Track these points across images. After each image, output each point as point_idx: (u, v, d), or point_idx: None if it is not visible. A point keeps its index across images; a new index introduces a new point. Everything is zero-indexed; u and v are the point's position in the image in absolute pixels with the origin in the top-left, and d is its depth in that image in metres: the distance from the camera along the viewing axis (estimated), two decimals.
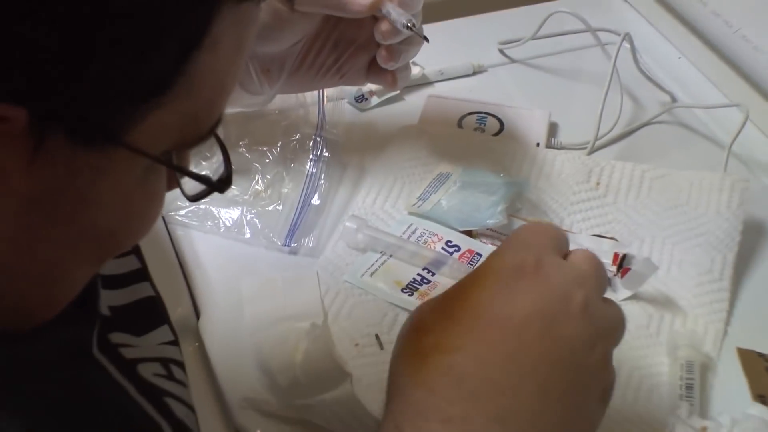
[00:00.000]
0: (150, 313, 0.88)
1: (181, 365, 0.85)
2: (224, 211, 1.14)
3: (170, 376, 0.81)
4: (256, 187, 1.16)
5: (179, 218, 1.13)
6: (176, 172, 0.64)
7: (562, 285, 0.74)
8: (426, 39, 1.03)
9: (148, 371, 0.78)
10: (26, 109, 0.51)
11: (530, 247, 0.76)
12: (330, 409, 0.91)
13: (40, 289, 0.66)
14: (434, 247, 1.10)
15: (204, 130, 0.63)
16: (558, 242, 0.79)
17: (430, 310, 0.78)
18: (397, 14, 0.97)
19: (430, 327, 0.76)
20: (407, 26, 0.98)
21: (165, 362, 0.82)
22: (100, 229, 0.63)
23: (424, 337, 0.75)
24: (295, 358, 0.93)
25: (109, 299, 0.85)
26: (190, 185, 0.67)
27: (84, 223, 0.62)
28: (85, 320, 0.78)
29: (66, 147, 0.55)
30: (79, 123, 0.54)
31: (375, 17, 1.00)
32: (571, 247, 0.86)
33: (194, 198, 0.68)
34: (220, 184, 0.68)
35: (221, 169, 0.70)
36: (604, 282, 0.77)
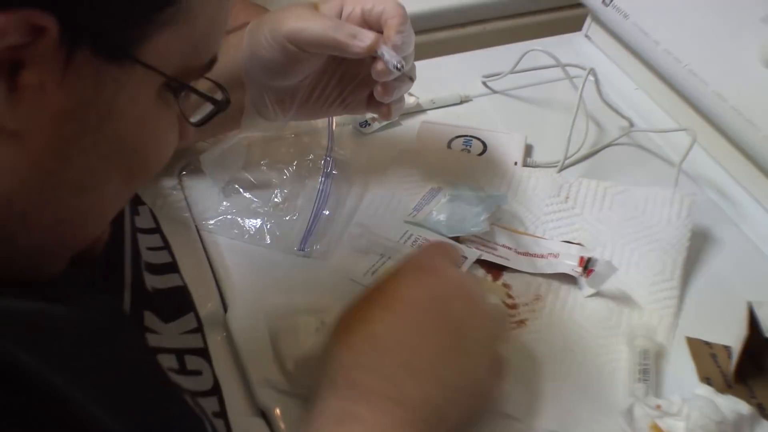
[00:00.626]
0: (179, 301, 0.92)
1: (200, 352, 0.89)
2: (248, 221, 1.16)
3: (182, 370, 0.85)
4: (275, 200, 1.19)
5: (210, 227, 1.15)
6: (184, 91, 0.67)
7: (454, 280, 0.89)
8: (412, 79, 1.08)
9: (165, 365, 0.82)
10: (56, 19, 0.54)
11: (431, 257, 0.91)
12: None
13: (77, 198, 0.67)
14: None
15: (202, 62, 0.68)
16: (450, 255, 0.95)
17: (355, 302, 0.89)
18: (389, 56, 1.01)
19: (356, 310, 0.88)
20: (397, 68, 1.01)
21: (180, 354, 0.86)
22: (124, 142, 0.66)
23: (350, 318, 0.87)
24: (304, 347, 0.96)
25: (151, 281, 0.89)
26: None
27: (110, 134, 0.64)
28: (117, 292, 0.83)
29: (91, 62, 0.58)
30: (101, 39, 0.58)
31: (373, 57, 1.02)
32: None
33: (199, 123, 0.73)
34: (223, 103, 0.74)
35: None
36: (483, 290, 0.94)
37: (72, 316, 0.65)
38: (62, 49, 0.56)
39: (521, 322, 1.07)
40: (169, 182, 1.21)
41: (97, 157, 0.65)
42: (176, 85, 0.66)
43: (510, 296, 1.10)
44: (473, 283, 0.94)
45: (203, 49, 0.68)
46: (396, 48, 1.03)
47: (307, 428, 0.79)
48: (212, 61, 0.70)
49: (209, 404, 0.84)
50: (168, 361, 0.83)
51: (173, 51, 0.64)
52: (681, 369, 1.03)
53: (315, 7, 1.06)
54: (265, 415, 0.96)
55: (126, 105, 0.63)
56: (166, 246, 0.98)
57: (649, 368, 1.01)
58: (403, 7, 1.05)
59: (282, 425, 0.94)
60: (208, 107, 0.73)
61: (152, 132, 0.69)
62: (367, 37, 1.02)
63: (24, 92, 0.56)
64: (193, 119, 0.73)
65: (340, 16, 1.06)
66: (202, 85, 0.71)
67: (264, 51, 1.06)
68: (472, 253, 1.13)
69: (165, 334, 0.86)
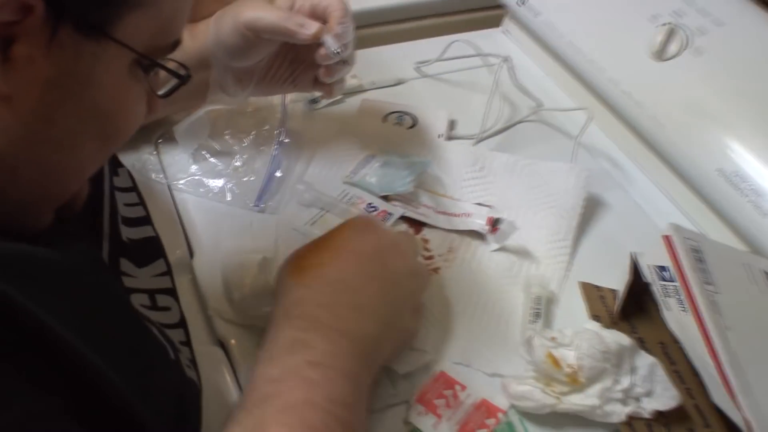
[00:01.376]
0: (151, 249, 0.94)
1: (169, 291, 0.91)
2: (212, 181, 1.19)
3: (154, 306, 0.87)
4: (236, 164, 1.21)
5: (180, 186, 1.18)
6: (152, 65, 0.70)
7: (392, 238, 0.93)
8: (350, 63, 1.12)
9: (137, 301, 0.84)
10: (43, 2, 0.57)
11: (371, 219, 0.99)
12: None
13: (58, 154, 0.68)
14: (360, 207, 1.16)
15: (168, 42, 0.71)
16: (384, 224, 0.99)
17: (306, 248, 0.92)
18: (330, 43, 1.04)
19: (308, 255, 0.91)
20: (337, 52, 1.05)
21: (152, 294, 0.88)
22: (100, 109, 0.68)
23: (304, 261, 0.90)
24: (246, 280, 0.99)
25: (127, 233, 0.91)
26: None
27: (88, 100, 0.66)
28: (96, 243, 0.85)
29: (72, 37, 0.61)
30: (80, 17, 0.61)
31: (318, 44, 1.05)
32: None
33: (165, 94, 0.76)
34: (185, 78, 0.76)
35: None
36: (417, 248, 1.01)
37: (56, 257, 0.66)
38: (48, 25, 0.59)
39: (436, 269, 1.10)
40: (147, 148, 1.24)
41: (77, 120, 0.67)
42: (145, 62, 0.69)
43: (427, 249, 1.13)
44: (408, 242, 0.98)
45: (168, 31, 0.70)
46: (337, 36, 1.06)
47: (261, 353, 0.81)
48: (176, 43, 0.72)
49: (177, 335, 0.86)
50: (141, 300, 0.85)
51: (142, 31, 0.66)
52: (574, 310, 1.06)
53: (271, 1, 1.09)
54: (223, 345, 0.99)
55: (102, 76, 0.66)
56: (141, 202, 0.99)
57: (541, 311, 1.03)
58: (344, 2, 1.08)
59: (236, 353, 0.97)
60: (173, 82, 0.75)
61: (123, 101, 0.70)
62: (312, 27, 1.05)
63: (15, 62, 0.59)
64: (160, 92, 0.75)
65: (292, 8, 1.09)
66: (169, 65, 0.73)
67: (226, 36, 1.08)
68: (397, 210, 1.16)
69: (139, 278, 0.88)
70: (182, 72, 0.76)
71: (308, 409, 0.73)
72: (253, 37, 1.07)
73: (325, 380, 0.77)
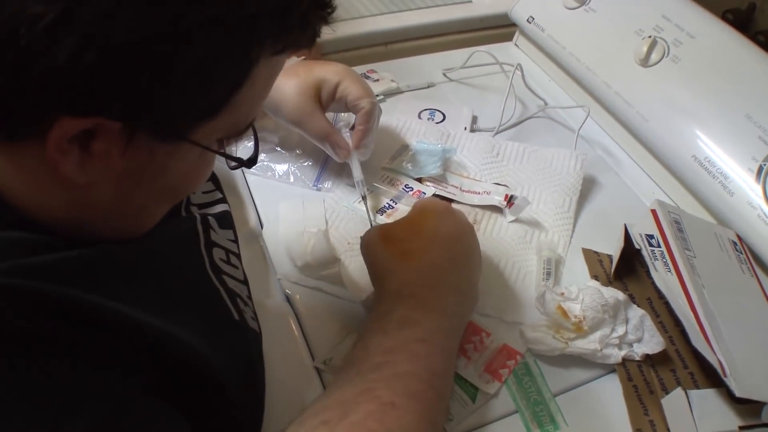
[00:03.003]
0: (224, 220, 0.91)
1: (236, 255, 0.89)
2: (278, 165, 1.16)
3: (228, 261, 0.85)
4: (297, 151, 1.19)
5: (252, 170, 1.15)
6: (221, 155, 0.66)
7: (462, 219, 0.90)
8: (363, 194, 1.09)
9: (217, 255, 0.82)
10: (121, 123, 0.54)
11: (443, 203, 0.93)
12: (327, 280, 0.97)
13: (132, 220, 0.68)
14: (398, 187, 1.14)
15: (242, 129, 0.66)
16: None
17: (398, 230, 0.88)
18: (356, 175, 1.09)
19: (405, 240, 0.87)
20: (359, 181, 1.08)
21: (227, 252, 0.86)
22: (170, 187, 0.66)
23: (403, 245, 0.86)
24: (306, 249, 0.98)
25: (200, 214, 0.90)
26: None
27: (160, 184, 0.64)
28: (190, 216, 0.84)
29: (148, 142, 0.57)
30: (157, 129, 0.57)
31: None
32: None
33: (233, 168, 0.73)
34: (249, 162, 0.73)
35: (252, 152, 0.74)
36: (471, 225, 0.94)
37: (128, 251, 0.66)
38: (125, 132, 0.55)
39: None
40: None
41: (149, 197, 0.65)
42: (217, 151, 0.65)
43: None
44: (467, 220, 0.94)
45: (244, 123, 0.66)
46: (361, 152, 1.08)
47: (374, 324, 0.80)
48: (250, 125, 0.68)
49: (243, 290, 0.84)
50: (220, 254, 0.84)
51: (218, 130, 0.62)
52: (576, 271, 1.05)
53: (317, 90, 1.06)
54: (289, 300, 0.98)
55: (174, 165, 0.63)
56: (218, 188, 0.98)
57: (551, 271, 1.03)
58: (371, 116, 1.07)
59: (300, 307, 0.96)
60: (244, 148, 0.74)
61: (192, 177, 0.68)
62: (342, 155, 1.07)
63: (94, 155, 0.56)
64: (230, 165, 0.74)
65: (334, 94, 1.06)
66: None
67: (272, 113, 1.08)
68: (429, 189, 1.14)
69: (219, 235, 0.87)
70: (247, 157, 0.74)
71: (412, 379, 0.72)
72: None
73: (427, 354, 0.76)
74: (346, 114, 1.18)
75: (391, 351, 0.75)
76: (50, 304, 0.53)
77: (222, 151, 0.65)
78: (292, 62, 1.09)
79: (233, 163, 0.73)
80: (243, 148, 0.98)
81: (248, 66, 0.59)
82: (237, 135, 0.66)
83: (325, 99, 1.07)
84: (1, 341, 0.50)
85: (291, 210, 1.09)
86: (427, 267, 0.84)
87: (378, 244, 0.88)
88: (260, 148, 1.16)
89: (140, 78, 0.52)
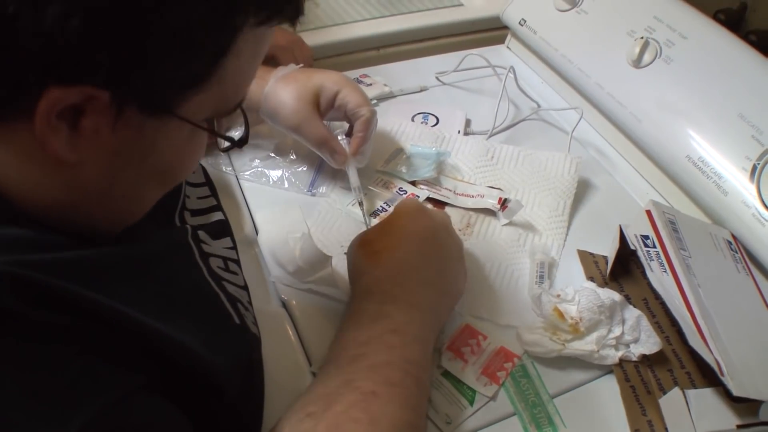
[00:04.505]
0: (220, 229, 0.92)
1: (236, 262, 0.89)
2: (272, 171, 1.16)
3: (226, 269, 0.85)
4: (291, 157, 1.19)
5: (246, 176, 1.15)
6: (211, 133, 0.65)
7: (439, 217, 0.92)
8: (360, 200, 1.10)
9: (214, 264, 0.82)
10: (109, 92, 0.53)
11: (418, 203, 0.95)
12: (321, 283, 0.97)
13: (124, 204, 0.67)
14: (392, 190, 1.15)
15: (231, 106, 0.66)
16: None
17: (372, 233, 0.92)
18: (353, 181, 1.09)
19: (376, 240, 0.90)
20: (356, 188, 1.09)
21: (225, 260, 0.86)
22: (160, 168, 0.65)
23: (373, 245, 0.89)
24: (294, 253, 0.96)
25: (195, 221, 0.90)
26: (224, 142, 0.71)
27: (149, 164, 0.63)
28: (182, 228, 0.83)
29: (137, 116, 0.57)
30: (145, 102, 0.57)
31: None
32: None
33: (225, 149, 0.75)
34: (240, 142, 0.73)
35: (242, 133, 0.75)
36: (451, 224, 0.96)
37: (128, 252, 0.66)
38: (113, 107, 0.55)
39: None
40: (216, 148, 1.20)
41: (140, 178, 0.65)
42: (206, 127, 0.65)
43: None
44: (448, 219, 0.95)
45: (232, 99, 0.65)
46: (358, 159, 1.09)
47: (348, 322, 0.83)
48: (239, 104, 0.68)
49: (243, 296, 0.84)
50: (217, 263, 0.83)
51: (206, 105, 0.62)
52: (571, 273, 1.05)
53: (316, 96, 1.06)
54: (285, 306, 0.98)
55: (163, 143, 0.62)
56: (213, 194, 0.98)
57: (544, 274, 1.03)
58: (370, 124, 1.08)
59: (297, 312, 0.96)
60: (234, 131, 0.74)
61: (182, 158, 0.67)
62: (340, 161, 1.08)
63: (83, 133, 0.56)
64: (222, 147, 0.74)
65: (333, 101, 1.07)
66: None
67: (270, 119, 1.08)
68: (423, 192, 1.14)
69: (213, 246, 0.86)
70: (238, 137, 0.74)
71: (390, 368, 0.75)
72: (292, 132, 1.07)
73: (403, 345, 0.78)
74: (339, 123, 1.18)
75: (366, 343, 0.78)
76: (51, 295, 0.53)
77: (212, 129, 0.66)
78: (291, 70, 1.09)
79: (224, 145, 0.73)
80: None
81: (231, 33, 0.59)
82: (225, 113, 0.66)
83: (323, 106, 1.07)
84: (1, 325, 0.50)
85: (269, 219, 1.09)
86: (395, 264, 0.86)
87: (354, 247, 0.91)
88: (255, 156, 1.17)
89: (124, 41, 0.52)
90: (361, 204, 1.08)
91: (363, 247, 0.90)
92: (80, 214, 0.64)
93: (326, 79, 1.07)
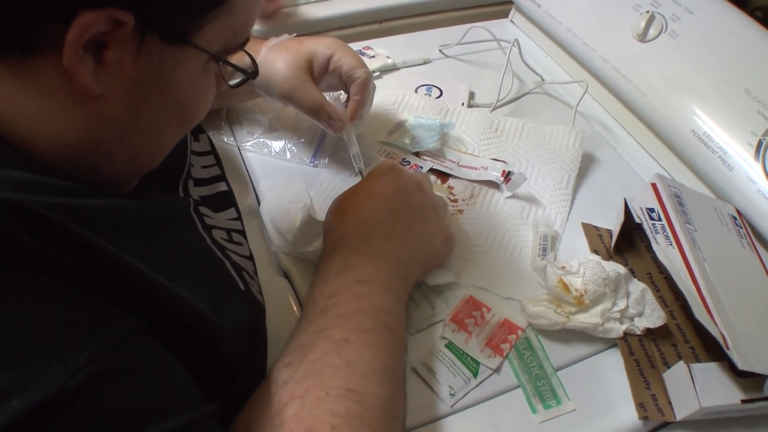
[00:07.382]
0: (224, 200, 0.91)
1: (240, 232, 0.89)
2: (274, 142, 1.15)
3: (230, 240, 0.85)
4: (293, 129, 1.17)
5: (248, 147, 1.14)
6: (224, 63, 0.68)
7: (411, 177, 0.92)
8: (359, 169, 1.09)
9: (218, 235, 0.82)
10: (133, 15, 0.55)
11: (392, 164, 0.94)
12: (318, 252, 0.95)
13: (145, 140, 0.67)
14: (396, 161, 1.13)
15: (240, 41, 0.68)
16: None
17: (345, 194, 0.92)
18: (350, 148, 1.07)
19: (346, 200, 0.91)
20: (354, 155, 1.07)
21: (228, 231, 0.86)
22: (179, 101, 0.66)
23: (344, 204, 0.90)
24: (294, 223, 0.97)
25: (198, 192, 0.89)
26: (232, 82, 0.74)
27: (169, 95, 0.65)
28: (185, 199, 0.83)
29: (158, 45, 0.60)
30: (165, 28, 0.59)
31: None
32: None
33: (235, 86, 0.74)
34: (251, 73, 0.74)
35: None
36: (430, 184, 0.96)
37: (139, 206, 0.65)
38: (137, 35, 0.58)
39: (460, 211, 1.07)
40: (219, 119, 1.21)
41: (160, 112, 0.66)
42: (220, 60, 0.67)
43: (452, 194, 1.10)
44: (424, 179, 0.95)
45: (240, 33, 0.67)
46: (355, 124, 1.07)
47: (316, 277, 0.83)
48: (246, 41, 0.70)
49: (248, 265, 0.85)
50: (221, 234, 0.83)
51: (219, 36, 0.64)
52: (575, 246, 1.05)
53: (309, 62, 1.04)
54: (286, 275, 0.98)
55: (181, 75, 0.64)
56: (218, 163, 0.97)
57: (547, 247, 1.02)
58: (366, 85, 1.05)
59: (297, 281, 0.96)
60: (240, 76, 0.74)
61: (198, 93, 0.69)
62: (337, 127, 1.04)
63: (107, 66, 0.58)
64: (231, 83, 0.74)
65: (327, 66, 1.04)
66: (239, 55, 0.71)
67: (263, 90, 1.06)
68: (427, 163, 1.14)
69: (216, 219, 0.86)
70: (250, 69, 0.75)
71: (360, 316, 0.76)
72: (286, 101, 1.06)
73: (371, 294, 0.79)
74: (335, 93, 1.16)
75: (334, 295, 0.78)
76: (57, 232, 0.53)
77: (224, 58, 0.67)
78: (283, 39, 1.07)
79: (235, 81, 0.74)
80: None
81: None
82: (235, 48, 0.68)
83: (317, 72, 1.04)
84: (5, 257, 0.50)
85: (272, 188, 1.08)
86: (360, 221, 0.87)
87: (328, 212, 0.91)
88: (254, 129, 1.16)
89: None
90: (361, 173, 1.07)
91: (333, 207, 0.91)
92: (99, 157, 0.65)
93: (318, 44, 1.04)
